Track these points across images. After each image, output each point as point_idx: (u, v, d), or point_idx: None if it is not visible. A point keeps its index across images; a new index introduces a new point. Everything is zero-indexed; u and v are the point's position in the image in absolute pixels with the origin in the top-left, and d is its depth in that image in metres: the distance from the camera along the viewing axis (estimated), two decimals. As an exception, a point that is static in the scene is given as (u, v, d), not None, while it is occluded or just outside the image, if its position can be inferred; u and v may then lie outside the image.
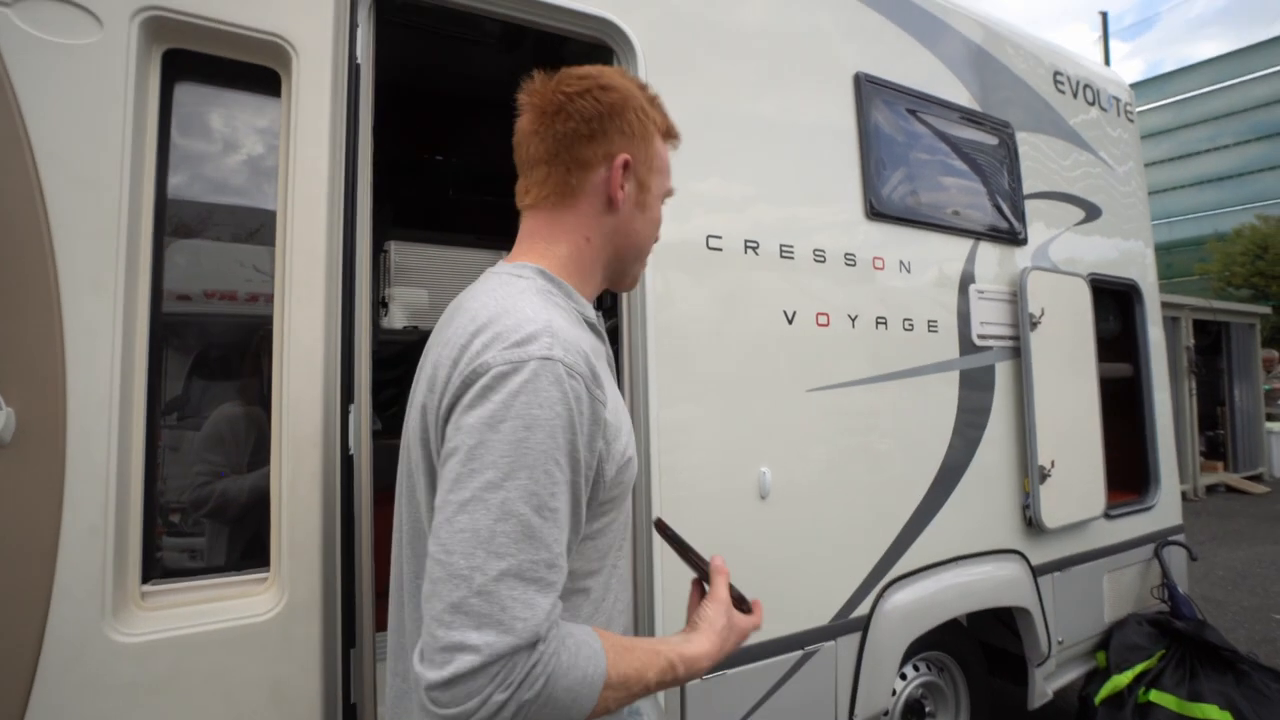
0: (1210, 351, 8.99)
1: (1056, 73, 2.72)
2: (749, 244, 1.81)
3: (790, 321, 1.85)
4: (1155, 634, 2.71)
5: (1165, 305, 7.85)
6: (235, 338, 1.23)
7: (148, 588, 1.04)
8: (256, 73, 1.20)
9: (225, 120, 1.22)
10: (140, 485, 1.03)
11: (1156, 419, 2.93)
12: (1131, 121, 3.03)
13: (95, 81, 1.03)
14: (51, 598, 0.93)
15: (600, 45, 1.69)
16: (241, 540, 1.15)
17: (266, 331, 1.17)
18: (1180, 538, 3.02)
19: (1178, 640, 2.68)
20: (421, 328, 3.31)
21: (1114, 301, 3.03)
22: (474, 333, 0.69)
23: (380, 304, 3.23)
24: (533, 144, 0.82)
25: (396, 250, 3.67)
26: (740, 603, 0.85)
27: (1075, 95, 2.77)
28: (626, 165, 0.82)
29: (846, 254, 1.99)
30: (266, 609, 1.07)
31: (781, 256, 1.86)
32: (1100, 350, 2.67)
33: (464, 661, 0.59)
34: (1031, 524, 2.33)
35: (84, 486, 0.96)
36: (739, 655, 1.67)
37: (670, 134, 0.90)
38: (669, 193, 0.91)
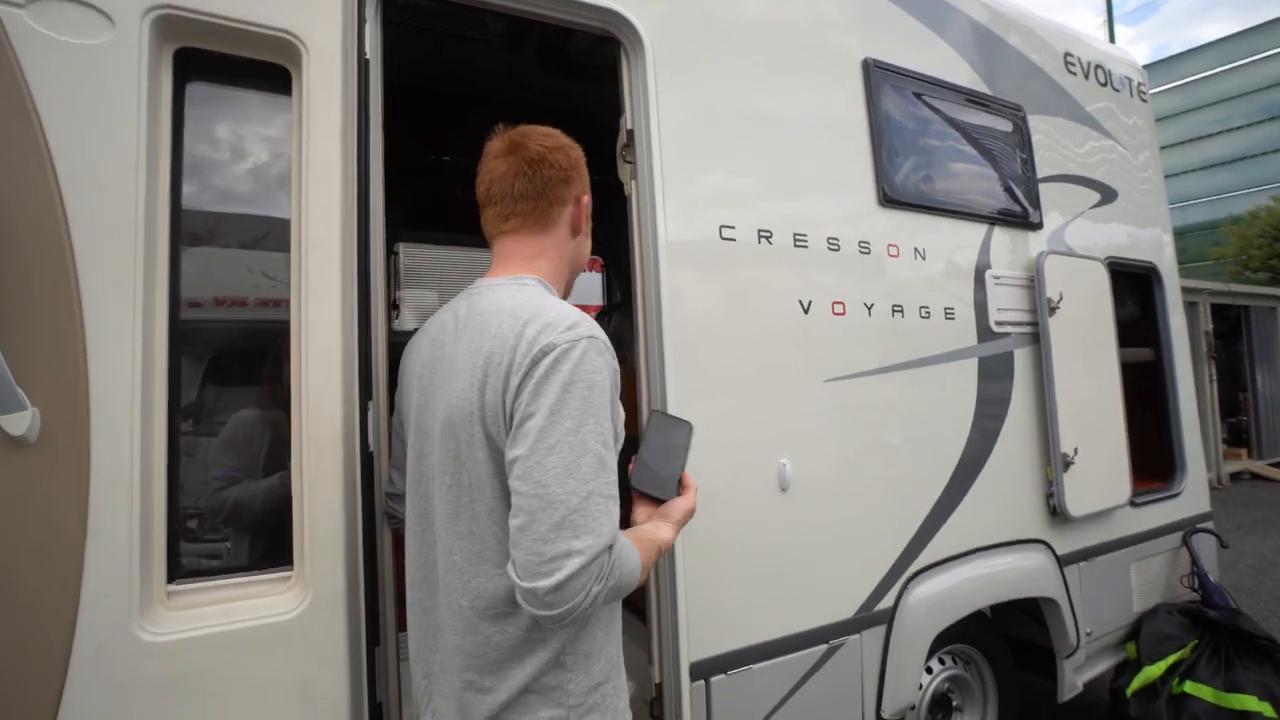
0: (1230, 336, 8.84)
1: (1067, 54, 2.68)
2: (762, 234, 1.79)
3: (806, 311, 1.83)
4: (1187, 624, 2.66)
5: (1183, 290, 7.75)
6: (253, 337, 1.23)
7: (173, 587, 1.04)
8: (267, 70, 1.20)
9: (238, 118, 1.22)
10: (163, 486, 1.03)
11: (1180, 404, 2.87)
12: (1145, 102, 2.98)
13: (109, 82, 1.03)
14: (80, 597, 0.93)
15: (607, 37, 1.68)
16: (264, 540, 1.14)
17: (284, 332, 1.16)
18: (1209, 525, 2.96)
19: (1211, 630, 2.62)
20: (433, 330, 3.31)
21: (1133, 285, 2.98)
22: (523, 324, 0.88)
23: (391, 306, 3.24)
24: (518, 183, 1.03)
25: (406, 252, 3.68)
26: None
27: (1087, 77, 2.73)
28: (584, 205, 1.10)
29: (860, 242, 1.96)
30: (290, 608, 1.06)
31: (795, 246, 1.84)
32: (1121, 335, 2.62)
33: (573, 564, 0.78)
34: (1056, 513, 2.29)
35: (108, 487, 0.96)
36: (763, 650, 1.66)
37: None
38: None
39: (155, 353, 1.04)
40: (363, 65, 1.28)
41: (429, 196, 3.41)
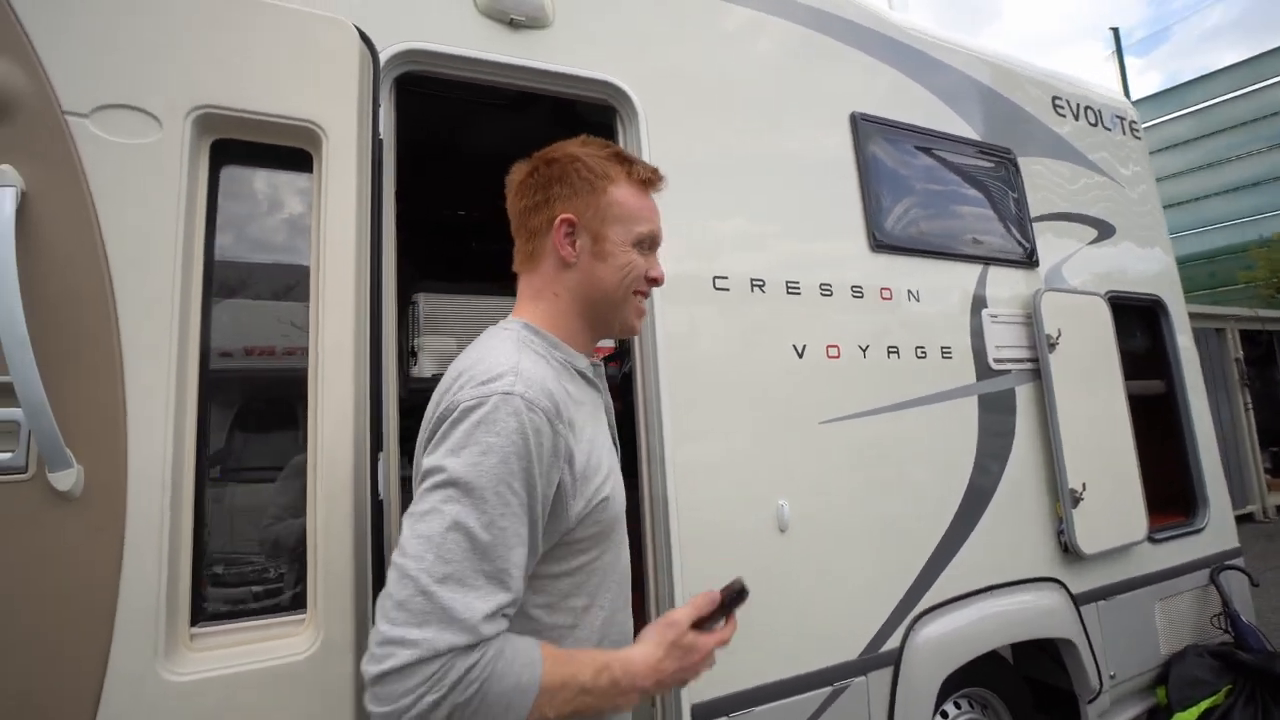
0: (1263, 363, 8.60)
1: (1055, 98, 2.76)
2: (755, 282, 1.87)
3: (800, 355, 1.89)
4: (1219, 667, 2.56)
5: (1209, 317, 7.60)
6: (277, 387, 1.33)
7: (196, 630, 1.11)
8: (292, 154, 1.34)
9: (266, 197, 1.36)
10: (189, 535, 1.12)
11: (1197, 435, 2.83)
12: (1138, 138, 3.04)
13: (154, 174, 1.17)
14: (113, 638, 1.01)
15: (605, 105, 1.82)
16: (283, 583, 1.22)
17: (304, 382, 1.26)
18: (1238, 562, 2.88)
19: (1245, 674, 2.53)
20: (450, 376, 3.44)
21: (1139, 318, 2.98)
22: (455, 377, 0.81)
23: (410, 353, 3.38)
24: (511, 220, 0.98)
25: (425, 301, 3.84)
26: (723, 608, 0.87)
27: (1076, 118, 2.81)
28: (567, 224, 0.92)
29: (853, 286, 2.03)
30: (303, 649, 1.13)
31: (788, 293, 1.92)
32: (1133, 368, 2.62)
33: (402, 656, 0.64)
34: (1068, 550, 2.27)
35: (141, 538, 1.05)
36: (766, 692, 1.67)
37: (642, 179, 0.96)
38: (644, 236, 0.95)
39: (186, 412, 1.14)
40: (376, 144, 1.42)
41: (446, 249, 3.58)
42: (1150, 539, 2.53)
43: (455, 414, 0.74)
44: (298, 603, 1.19)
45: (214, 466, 1.21)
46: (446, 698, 0.64)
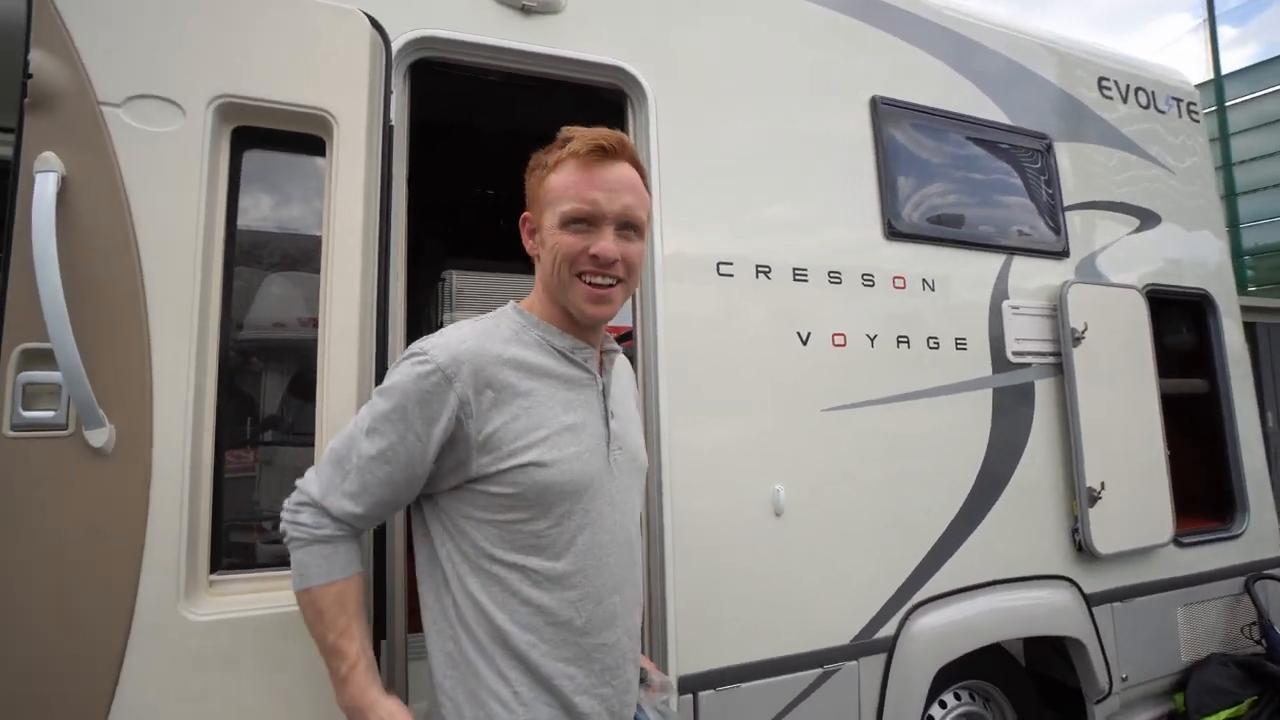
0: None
1: (1102, 79, 2.62)
2: (760, 269, 1.87)
3: (805, 343, 1.90)
4: (1244, 677, 2.47)
5: (1270, 310, 7.03)
6: (290, 357, 1.44)
7: (215, 577, 1.24)
8: (307, 140, 1.42)
9: (283, 181, 1.45)
10: (209, 491, 1.23)
11: (1240, 439, 2.69)
12: (1196, 120, 2.85)
13: (180, 159, 1.27)
14: (139, 582, 1.14)
15: (618, 90, 1.83)
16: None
17: (313, 358, 1.36)
18: (1279, 572, 2.74)
19: (1274, 687, 2.43)
20: (476, 351, 3.55)
21: (1184, 313, 2.83)
22: None
23: (439, 328, 3.50)
24: None
25: (456, 278, 3.95)
26: None
27: (1125, 99, 2.65)
28: (527, 222, 1.05)
29: (864, 275, 2.01)
30: (307, 600, 1.23)
31: (795, 280, 1.92)
32: (1175, 365, 2.49)
33: (293, 493, 1.00)
34: (1082, 549, 2.21)
35: (165, 491, 1.17)
36: (754, 669, 1.72)
37: (582, 151, 0.95)
38: (569, 214, 0.96)
39: (206, 378, 1.25)
40: (387, 131, 1.48)
41: (475, 227, 3.67)
42: (1176, 542, 2.44)
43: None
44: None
45: (232, 431, 1.32)
46: (289, 533, 0.98)
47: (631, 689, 1.05)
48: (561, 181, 0.97)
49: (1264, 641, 2.60)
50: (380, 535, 1.34)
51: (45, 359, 1.12)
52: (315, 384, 1.32)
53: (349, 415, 1.31)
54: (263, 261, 1.40)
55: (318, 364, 1.32)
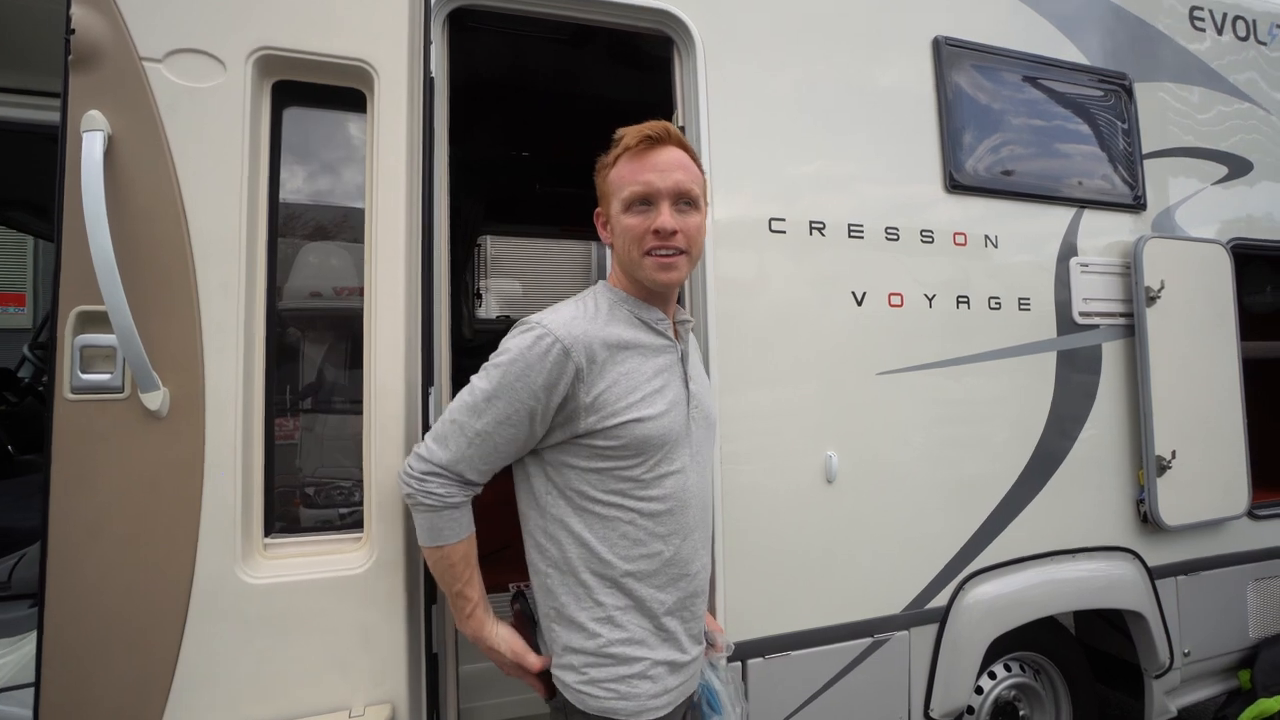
0: None
1: (1194, 8, 2.37)
2: (814, 225, 1.78)
3: (860, 303, 1.80)
4: (1317, 655, 2.36)
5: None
6: (340, 323, 1.42)
7: (269, 540, 1.25)
8: (348, 94, 1.37)
9: (325, 137, 1.40)
10: (261, 455, 1.23)
11: (1326, 406, 2.51)
12: (1300, 54, 2.58)
13: (221, 115, 1.23)
14: (198, 544, 1.15)
15: (662, 37, 1.73)
16: (344, 505, 1.34)
17: (360, 321, 1.33)
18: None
19: (1347, 664, 2.32)
20: (513, 317, 3.53)
21: (1273, 269, 2.62)
22: None
23: (475, 295, 3.48)
24: None
25: (491, 243, 3.91)
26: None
27: (1220, 31, 2.41)
28: (600, 217, 1.19)
29: (923, 231, 1.89)
30: (360, 564, 1.24)
31: (850, 236, 1.81)
32: (1261, 327, 2.32)
33: (410, 455, 1.12)
34: (1147, 520, 2.11)
35: (219, 455, 1.17)
36: (804, 638, 1.69)
37: (634, 144, 1.10)
38: (629, 198, 1.09)
39: (255, 342, 1.24)
40: (428, 83, 1.42)
41: (511, 190, 3.60)
42: (1251, 515, 2.31)
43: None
44: (357, 523, 1.30)
45: (282, 396, 1.32)
46: (414, 497, 1.09)
47: (702, 621, 1.21)
48: (619, 173, 1.11)
49: (1339, 618, 2.47)
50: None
51: (100, 322, 1.12)
52: (361, 349, 1.30)
53: (396, 375, 1.30)
54: (308, 221, 1.37)
55: (364, 322, 1.29)
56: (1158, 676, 2.17)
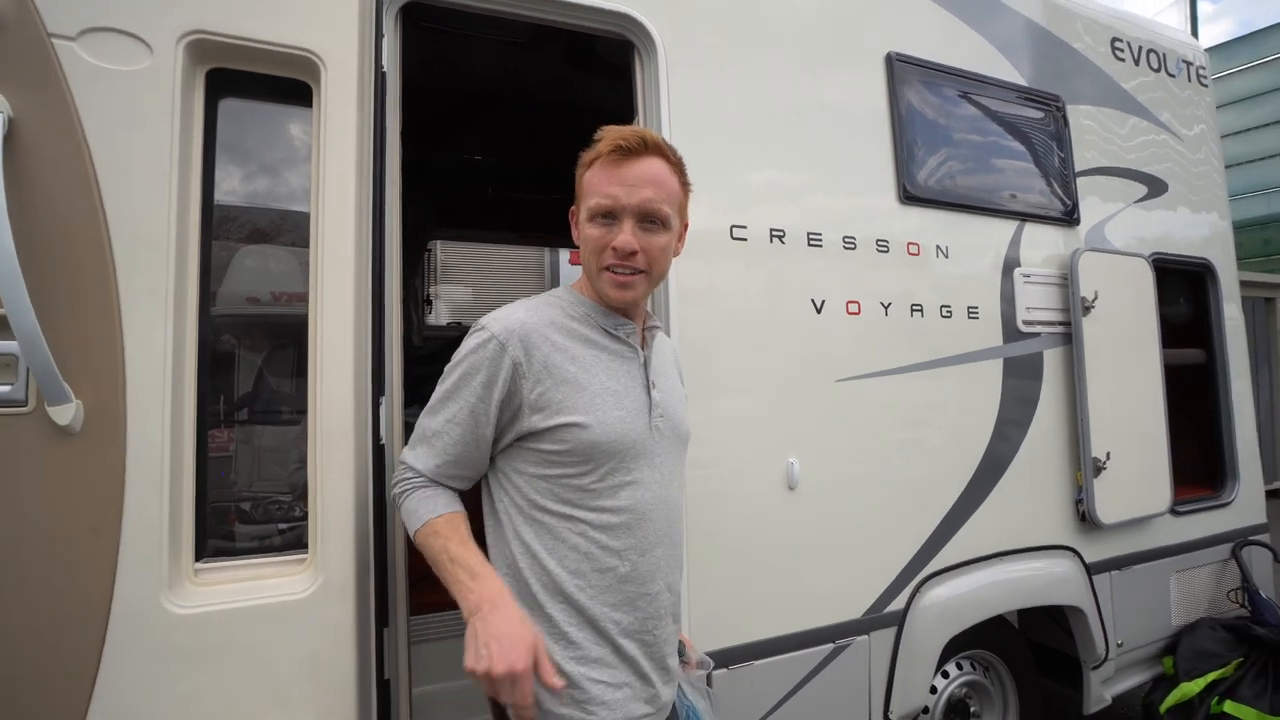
0: (1313, 336, 8.17)
1: (1115, 39, 2.54)
2: (774, 233, 1.79)
3: (819, 311, 1.82)
4: (1231, 640, 2.53)
5: (1259, 285, 7.19)
6: (279, 331, 1.32)
7: (200, 565, 1.14)
8: (290, 86, 1.28)
9: (264, 132, 1.31)
10: (192, 472, 1.13)
11: (1234, 408, 2.71)
12: (1205, 86, 2.80)
13: (147, 102, 1.13)
14: (117, 572, 1.03)
15: (622, 40, 1.70)
16: (284, 522, 1.24)
17: (305, 326, 1.24)
18: (1263, 538, 2.80)
19: (1258, 648, 2.49)
20: (464, 324, 3.42)
21: (1185, 282, 2.82)
22: None
23: (425, 302, 3.36)
24: None
25: (441, 249, 3.78)
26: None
27: (1137, 62, 2.59)
28: (571, 215, 1.13)
29: (879, 240, 1.94)
30: (304, 588, 1.15)
31: (809, 245, 1.83)
32: (1173, 335, 2.48)
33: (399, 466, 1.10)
34: (1085, 519, 2.21)
35: (143, 472, 1.06)
36: (767, 647, 1.68)
37: (607, 151, 1.03)
38: (594, 209, 1.04)
39: (186, 349, 1.14)
40: (379, 78, 1.35)
41: (463, 195, 3.51)
42: (1174, 511, 2.46)
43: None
44: (300, 542, 1.21)
45: (216, 407, 1.21)
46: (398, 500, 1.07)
47: (671, 642, 1.12)
48: (590, 179, 1.05)
49: (1249, 605, 2.66)
50: (381, 527, 1.25)
51: (-1, 326, 1.00)
52: (305, 357, 1.21)
53: (345, 385, 1.22)
54: (246, 221, 1.27)
55: (310, 329, 1.21)
56: (1095, 668, 2.28)
